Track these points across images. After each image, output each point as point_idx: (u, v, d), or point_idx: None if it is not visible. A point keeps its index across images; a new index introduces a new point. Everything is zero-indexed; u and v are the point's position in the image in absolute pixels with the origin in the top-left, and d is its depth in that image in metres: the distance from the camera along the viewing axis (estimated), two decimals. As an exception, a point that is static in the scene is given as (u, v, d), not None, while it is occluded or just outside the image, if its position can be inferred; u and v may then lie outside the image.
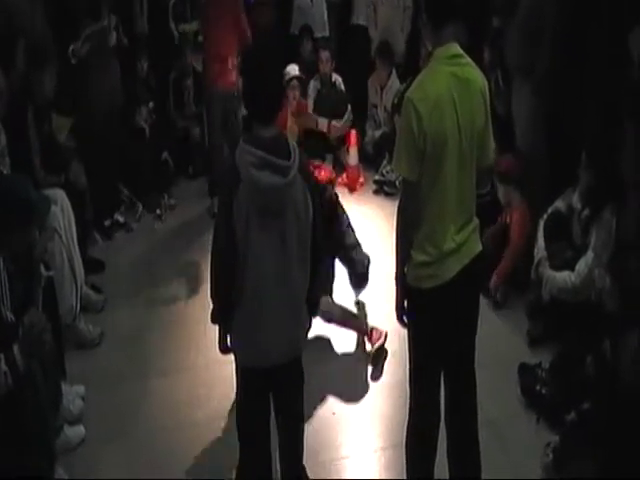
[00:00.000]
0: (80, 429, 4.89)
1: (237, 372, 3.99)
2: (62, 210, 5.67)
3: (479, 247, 3.98)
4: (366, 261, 5.85)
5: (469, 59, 3.81)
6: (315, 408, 5.11)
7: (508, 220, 6.11)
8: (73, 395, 5.05)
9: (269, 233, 3.59)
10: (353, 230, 5.80)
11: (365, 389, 5.35)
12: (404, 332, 4.04)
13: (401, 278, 3.90)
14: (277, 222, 3.60)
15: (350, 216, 5.90)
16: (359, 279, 5.87)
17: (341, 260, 5.76)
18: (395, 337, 5.42)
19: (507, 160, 6.03)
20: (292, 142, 3.69)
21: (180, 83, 8.24)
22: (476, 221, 3.95)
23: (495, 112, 6.19)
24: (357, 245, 5.81)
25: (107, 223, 7.19)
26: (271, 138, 3.59)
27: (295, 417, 4.15)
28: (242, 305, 3.70)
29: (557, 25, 5.72)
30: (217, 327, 3.92)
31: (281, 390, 4.02)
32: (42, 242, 5.06)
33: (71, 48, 6.64)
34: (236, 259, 3.59)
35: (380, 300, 5.92)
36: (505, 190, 6.11)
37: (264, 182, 3.49)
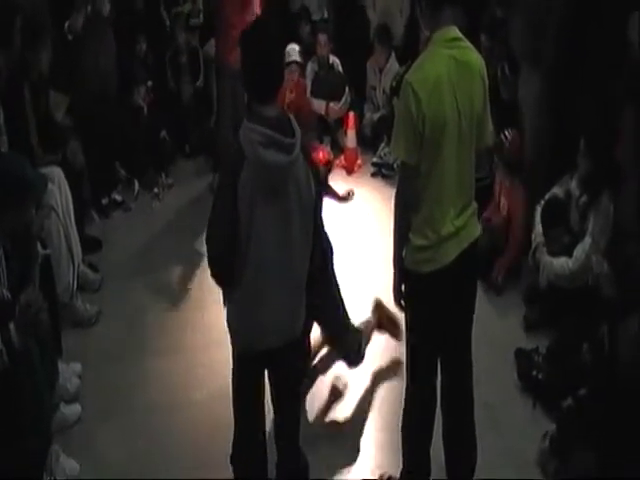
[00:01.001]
0: (76, 407, 4.91)
1: (233, 354, 3.94)
2: (59, 188, 5.63)
3: (478, 231, 3.98)
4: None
5: (468, 42, 3.80)
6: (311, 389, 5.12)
7: (503, 204, 6.12)
8: (70, 373, 5.06)
9: (273, 213, 3.56)
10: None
11: (358, 372, 5.36)
12: (402, 315, 4.04)
13: (399, 262, 3.89)
14: (280, 202, 3.57)
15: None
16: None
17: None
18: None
19: (514, 144, 6.05)
20: (294, 120, 3.66)
21: (176, 61, 8.19)
22: (475, 205, 3.94)
23: (501, 99, 6.23)
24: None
25: (104, 202, 7.16)
26: (275, 117, 3.56)
27: (292, 399, 4.12)
28: (242, 286, 3.66)
29: (562, 14, 5.70)
30: (221, 307, 3.85)
31: (279, 372, 3.99)
32: (39, 220, 5.04)
33: (67, 24, 6.59)
34: (237, 240, 3.55)
35: (377, 284, 5.91)
36: (504, 174, 6.12)
37: (270, 160, 3.46)
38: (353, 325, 5.18)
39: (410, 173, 3.73)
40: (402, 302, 3.98)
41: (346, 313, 5.09)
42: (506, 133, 5.98)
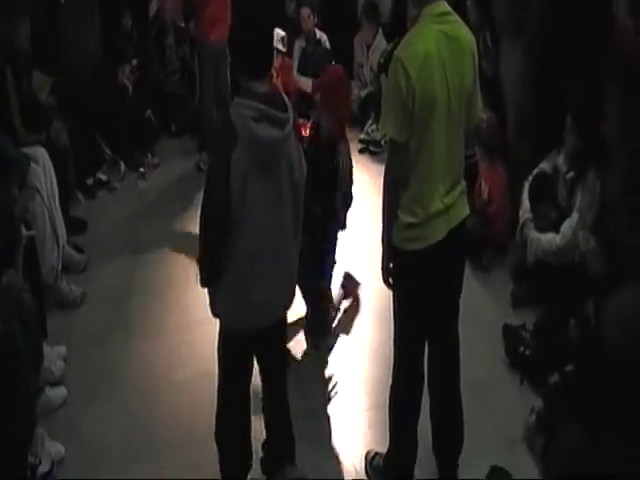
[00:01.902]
0: (62, 390, 4.89)
1: (219, 335, 3.91)
2: (43, 169, 5.59)
3: (467, 210, 3.95)
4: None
5: (458, 17, 3.75)
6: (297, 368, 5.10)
7: (483, 186, 6.10)
8: (54, 356, 5.03)
9: (265, 190, 3.53)
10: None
11: (348, 350, 5.36)
12: (390, 293, 4.02)
13: (387, 239, 3.86)
14: (272, 179, 3.54)
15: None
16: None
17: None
18: (381, 297, 5.38)
19: (489, 127, 6.01)
20: (286, 97, 3.63)
21: (161, 40, 8.11)
22: (464, 183, 3.92)
23: (483, 72, 6.18)
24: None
25: (90, 182, 7.11)
26: (267, 93, 3.53)
27: (280, 376, 4.12)
28: (233, 267, 3.62)
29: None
30: (206, 290, 3.80)
31: (266, 350, 3.99)
32: (23, 201, 5.02)
33: None
34: (231, 218, 3.51)
35: (366, 261, 5.89)
36: (483, 156, 6.10)
37: (263, 135, 3.43)
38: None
39: (399, 150, 3.68)
40: (390, 280, 3.96)
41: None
42: (482, 115, 5.92)
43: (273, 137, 3.46)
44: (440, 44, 3.60)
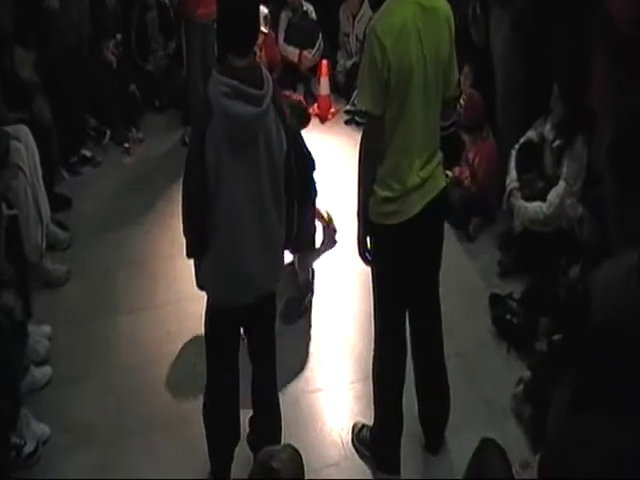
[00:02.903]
0: (47, 369, 4.86)
1: (207, 310, 3.92)
2: (26, 147, 5.53)
3: (443, 182, 3.93)
4: None
5: None
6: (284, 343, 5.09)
7: (471, 158, 6.06)
8: (39, 335, 4.99)
9: (241, 166, 3.52)
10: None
11: (334, 322, 5.35)
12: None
13: (363, 213, 3.84)
14: (249, 154, 3.53)
15: (321, 146, 5.76)
16: None
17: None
18: (365, 270, 5.36)
19: (472, 107, 5.96)
20: (265, 72, 3.59)
21: (143, 16, 8.01)
22: (440, 155, 3.89)
23: (471, 41, 6.14)
24: None
25: (73, 159, 7.03)
26: (244, 68, 3.50)
27: (269, 351, 4.10)
28: (215, 241, 3.62)
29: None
30: (192, 262, 3.81)
31: (254, 325, 3.98)
32: (5, 180, 4.99)
33: None
34: (208, 192, 3.51)
35: (351, 232, 5.84)
36: (468, 139, 6.08)
37: (236, 111, 3.41)
38: None
39: (376, 123, 3.67)
40: (367, 255, 3.93)
41: None
42: (461, 101, 5.86)
43: (246, 114, 3.44)
44: (416, 15, 3.57)
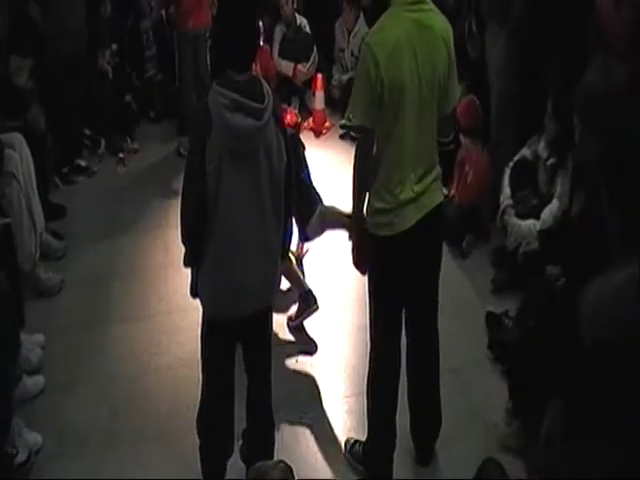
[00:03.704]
0: (39, 379, 4.85)
1: (203, 322, 3.90)
2: (20, 155, 5.52)
3: (440, 197, 3.95)
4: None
5: (432, 5, 3.74)
6: (278, 356, 5.08)
7: (468, 170, 6.08)
8: (32, 344, 4.98)
9: (241, 177, 3.53)
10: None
11: (328, 336, 5.35)
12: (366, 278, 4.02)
13: (357, 223, 3.88)
14: (249, 167, 3.54)
15: (316, 160, 5.78)
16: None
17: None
18: (361, 281, 5.35)
19: (469, 112, 5.98)
20: (265, 85, 3.61)
21: (138, 27, 8.02)
22: (438, 170, 3.91)
23: (468, 57, 6.17)
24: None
25: (67, 169, 7.02)
26: (245, 81, 3.51)
27: (266, 365, 4.09)
28: (213, 251, 3.62)
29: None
30: (187, 272, 3.82)
31: (250, 339, 3.97)
32: (-1, 188, 4.97)
33: None
34: (207, 202, 3.52)
35: (345, 245, 5.85)
36: (466, 141, 6.08)
37: (236, 124, 3.43)
38: None
39: (368, 136, 3.71)
40: (361, 264, 3.96)
41: None
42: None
43: (246, 127, 3.45)
44: (411, 32, 3.61)
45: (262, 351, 4.04)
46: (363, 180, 3.78)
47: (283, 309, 5.41)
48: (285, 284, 5.22)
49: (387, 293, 3.96)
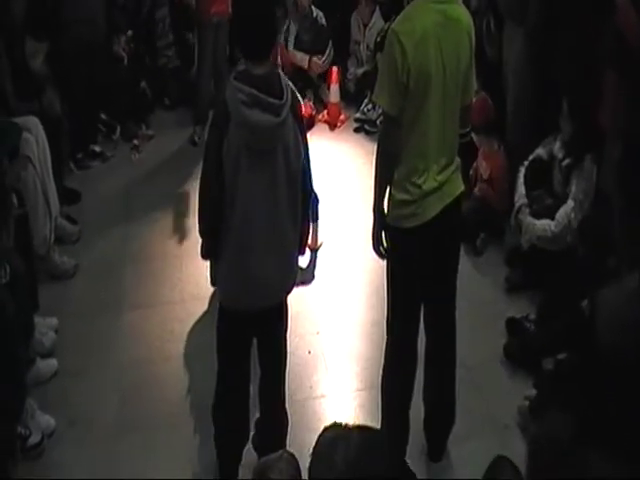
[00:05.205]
0: (52, 362, 4.86)
1: (220, 313, 3.92)
2: (36, 138, 5.51)
3: (461, 187, 3.97)
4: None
5: None
6: (291, 347, 5.08)
7: (484, 167, 6.07)
8: (46, 328, 4.99)
9: (258, 173, 3.52)
10: None
11: (341, 329, 5.34)
12: (382, 272, 4.02)
13: (378, 209, 3.88)
14: (267, 162, 3.54)
15: (330, 153, 5.75)
16: None
17: None
18: (376, 275, 5.33)
19: (482, 109, 5.97)
20: (285, 79, 3.59)
21: (153, 13, 8.01)
22: (458, 161, 3.93)
23: (485, 55, 6.15)
24: None
25: (82, 154, 7.02)
26: (263, 75, 3.50)
27: (278, 358, 4.11)
28: (229, 246, 3.63)
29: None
30: (199, 262, 3.87)
31: (265, 332, 3.98)
32: (15, 171, 4.97)
33: None
34: (224, 197, 3.53)
35: (360, 242, 5.85)
36: (480, 138, 6.07)
37: (254, 120, 3.41)
38: None
39: (392, 124, 3.71)
40: (381, 249, 3.95)
41: None
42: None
43: (264, 123, 3.44)
44: (437, 23, 3.62)
45: (276, 344, 4.05)
46: (386, 169, 3.78)
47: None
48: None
49: (406, 286, 3.95)
